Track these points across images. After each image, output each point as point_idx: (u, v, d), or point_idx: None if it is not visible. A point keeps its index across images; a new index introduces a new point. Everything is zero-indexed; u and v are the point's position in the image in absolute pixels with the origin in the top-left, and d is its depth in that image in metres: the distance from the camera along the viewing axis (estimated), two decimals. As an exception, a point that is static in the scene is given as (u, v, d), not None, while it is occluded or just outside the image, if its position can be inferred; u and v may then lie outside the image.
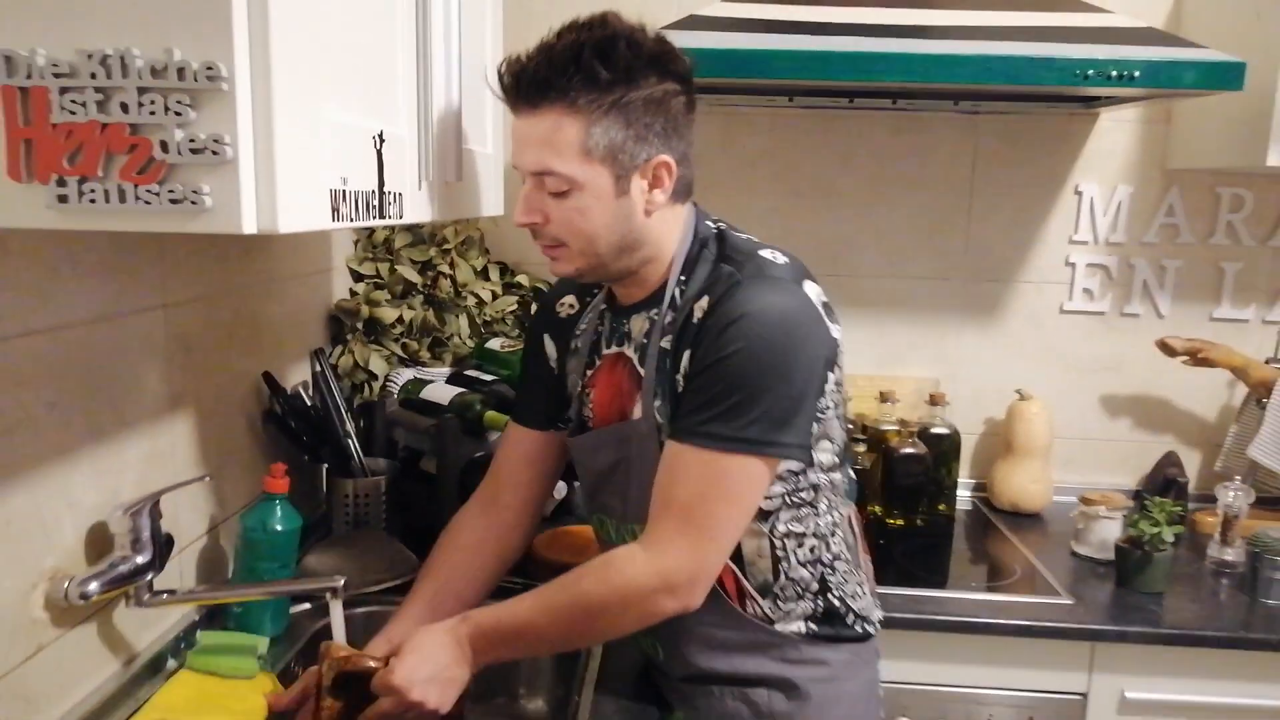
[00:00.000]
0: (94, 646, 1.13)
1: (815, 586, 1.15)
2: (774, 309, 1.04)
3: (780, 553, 1.13)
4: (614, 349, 1.18)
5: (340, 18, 0.83)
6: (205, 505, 1.38)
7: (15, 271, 0.97)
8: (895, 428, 1.90)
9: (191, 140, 0.66)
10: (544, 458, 1.27)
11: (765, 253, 1.11)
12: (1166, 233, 1.99)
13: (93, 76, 0.65)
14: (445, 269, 1.89)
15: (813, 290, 1.09)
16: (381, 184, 0.92)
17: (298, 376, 1.68)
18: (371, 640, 1.15)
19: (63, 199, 0.67)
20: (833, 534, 1.16)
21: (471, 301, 1.93)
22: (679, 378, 1.07)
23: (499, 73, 1.04)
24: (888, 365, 2.07)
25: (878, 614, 1.24)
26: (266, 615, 1.32)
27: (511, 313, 1.98)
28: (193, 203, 0.66)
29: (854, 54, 1.51)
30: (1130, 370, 2.05)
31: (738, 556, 1.12)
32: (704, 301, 1.07)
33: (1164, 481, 1.98)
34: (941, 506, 1.93)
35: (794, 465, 1.11)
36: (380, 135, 0.91)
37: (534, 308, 1.84)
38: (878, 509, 1.87)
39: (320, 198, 0.77)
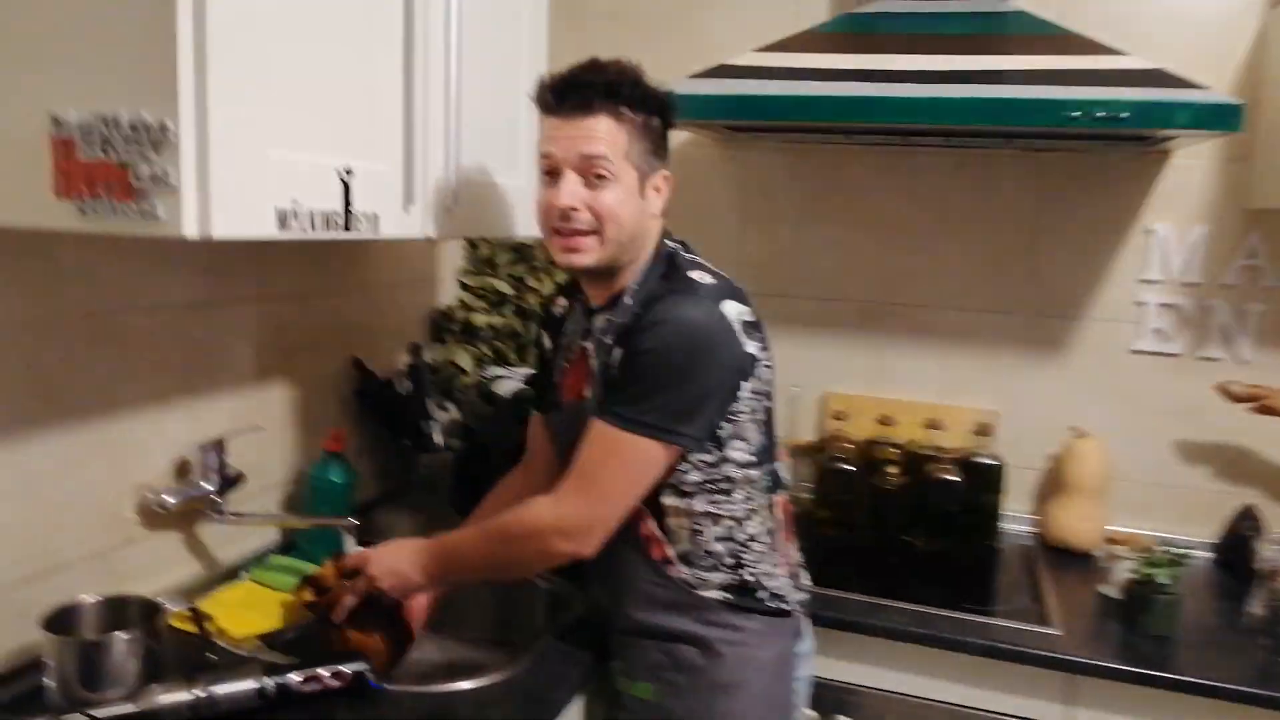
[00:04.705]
0: (178, 550, 1.51)
1: (729, 561, 1.31)
2: (684, 320, 1.22)
3: (698, 528, 1.31)
4: (583, 342, 1.41)
5: (307, 86, 1.13)
6: (292, 458, 1.75)
7: (126, 262, 1.36)
8: (932, 454, 1.97)
9: (152, 174, 0.98)
10: None
11: (695, 273, 1.29)
12: (1248, 274, 1.91)
13: (100, 130, 0.99)
14: (534, 283, 2.19)
15: (733, 309, 1.26)
16: (348, 206, 1.22)
17: (397, 365, 2.04)
18: None
19: (82, 211, 1.01)
20: (748, 519, 1.32)
21: (556, 313, 2.21)
22: (612, 370, 1.29)
23: (548, 83, 1.28)
24: (946, 395, 2.12)
25: (797, 595, 1.38)
26: (322, 549, 1.66)
27: (594, 326, 2.25)
28: (153, 216, 0.99)
29: (851, 98, 1.65)
30: (1209, 416, 1.96)
31: (664, 528, 1.31)
32: (639, 309, 1.27)
33: (1236, 538, 1.88)
34: (982, 535, 1.97)
35: (707, 456, 1.28)
36: (348, 169, 1.21)
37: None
38: (905, 535, 1.95)
39: (263, 214, 1.07)
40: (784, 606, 1.35)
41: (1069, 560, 1.94)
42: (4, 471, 1.21)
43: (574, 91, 1.25)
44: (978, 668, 1.58)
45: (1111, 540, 1.75)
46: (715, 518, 1.30)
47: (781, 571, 1.36)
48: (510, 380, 2.06)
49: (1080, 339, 2.04)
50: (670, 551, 1.32)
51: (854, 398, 2.16)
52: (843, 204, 2.14)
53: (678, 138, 2.19)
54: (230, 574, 1.58)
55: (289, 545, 1.72)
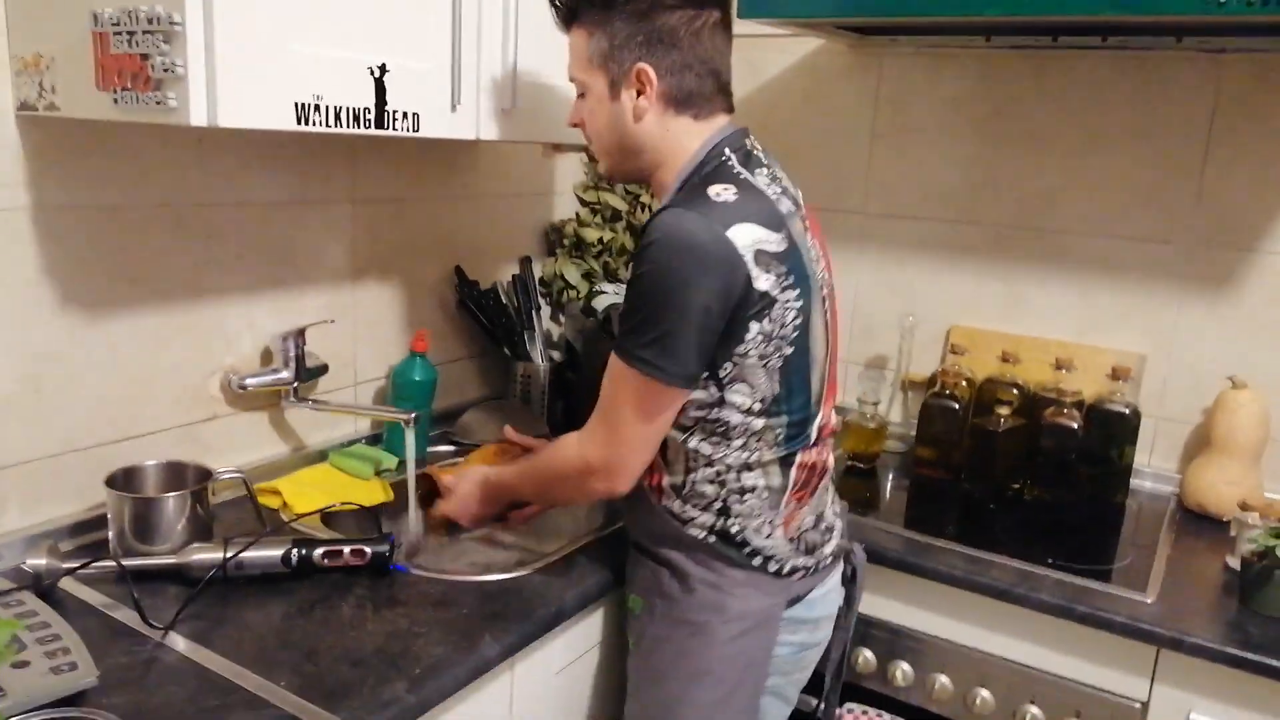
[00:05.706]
0: (264, 430, 1.63)
1: (718, 506, 1.23)
2: (670, 240, 1.09)
3: (691, 464, 1.23)
4: None
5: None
6: (387, 356, 1.84)
7: (212, 159, 1.46)
8: (1053, 397, 1.78)
9: (165, 65, 1.04)
10: None
11: (714, 189, 1.14)
12: None
13: (126, 24, 1.06)
14: (646, 200, 2.15)
15: (747, 234, 1.12)
16: (381, 103, 1.24)
17: (504, 276, 2.08)
18: None
19: (116, 101, 1.09)
20: (747, 469, 1.23)
21: (670, 230, 2.17)
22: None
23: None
24: (1083, 333, 1.90)
25: (795, 560, 1.27)
26: (400, 441, 1.74)
27: (709, 244, 2.18)
28: (167, 104, 1.05)
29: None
30: None
31: (664, 457, 1.25)
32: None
33: None
34: (1106, 490, 1.77)
35: (703, 395, 1.18)
36: (382, 66, 1.23)
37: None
38: (1013, 483, 1.79)
39: (279, 107, 1.11)
40: (770, 568, 1.25)
41: (1204, 526, 1.70)
42: (90, 344, 1.35)
43: (556, 13, 1.28)
44: (1054, 628, 1.43)
45: (1244, 506, 1.51)
46: (709, 459, 1.22)
47: (777, 533, 1.25)
48: (610, 296, 2.05)
49: (1255, 274, 1.75)
50: (664, 481, 1.26)
51: (978, 331, 1.98)
52: (983, 116, 1.94)
53: (805, 45, 2.06)
54: (317, 458, 1.70)
55: (377, 437, 1.82)
